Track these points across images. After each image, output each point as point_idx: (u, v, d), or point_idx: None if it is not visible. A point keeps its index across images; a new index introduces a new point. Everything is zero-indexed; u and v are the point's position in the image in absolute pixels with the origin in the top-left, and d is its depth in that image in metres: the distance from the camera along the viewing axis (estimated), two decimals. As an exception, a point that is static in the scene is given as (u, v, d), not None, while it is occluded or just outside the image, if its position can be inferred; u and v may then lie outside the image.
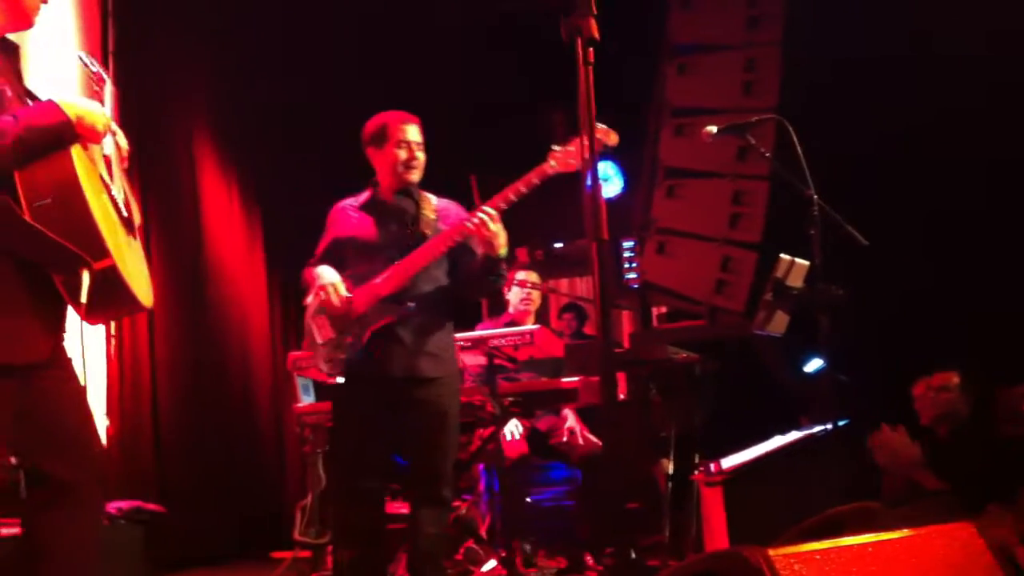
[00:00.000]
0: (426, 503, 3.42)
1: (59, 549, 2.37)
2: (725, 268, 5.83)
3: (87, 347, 2.47)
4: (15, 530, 2.46)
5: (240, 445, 6.41)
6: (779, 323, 4.00)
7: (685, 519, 4.28)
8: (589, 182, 2.36)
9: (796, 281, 3.89)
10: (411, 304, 3.37)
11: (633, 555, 3.09)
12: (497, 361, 4.17)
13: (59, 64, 4.80)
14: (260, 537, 5.91)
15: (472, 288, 3.58)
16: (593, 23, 2.36)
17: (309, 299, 3.44)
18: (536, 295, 5.28)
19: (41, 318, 2.35)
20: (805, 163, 3.64)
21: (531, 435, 4.93)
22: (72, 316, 2.46)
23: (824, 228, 3.61)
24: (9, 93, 2.38)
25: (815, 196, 3.62)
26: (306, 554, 4.81)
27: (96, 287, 2.31)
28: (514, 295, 5.20)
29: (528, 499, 5.01)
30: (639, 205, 6.26)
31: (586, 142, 2.36)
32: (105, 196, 2.44)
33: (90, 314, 2.37)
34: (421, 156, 3.52)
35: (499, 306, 5.55)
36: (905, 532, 2.20)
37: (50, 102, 2.34)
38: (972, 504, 3.17)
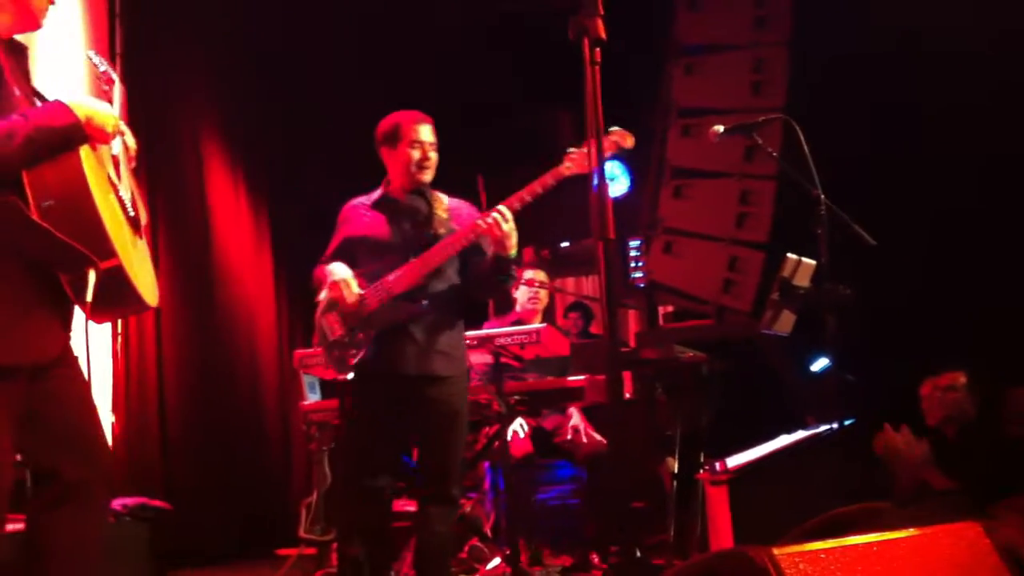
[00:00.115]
0: (435, 501, 3.43)
1: (64, 547, 2.38)
2: (732, 268, 5.82)
3: (92, 345, 2.48)
4: (20, 526, 2.45)
5: (246, 443, 6.43)
6: (786, 322, 3.99)
7: (690, 518, 4.28)
8: (596, 181, 2.36)
9: (803, 280, 3.89)
10: (424, 302, 3.38)
11: (638, 554, 3.08)
12: (503, 360, 4.17)
13: (67, 65, 4.82)
14: (265, 534, 5.92)
15: (482, 288, 3.59)
16: (600, 23, 2.36)
17: (323, 295, 3.42)
18: (544, 294, 5.28)
19: (49, 318, 2.36)
20: (812, 163, 3.64)
21: (536, 434, 4.94)
22: (77, 314, 2.47)
23: (831, 227, 3.61)
24: (18, 93, 2.39)
25: (822, 196, 3.62)
26: (311, 551, 4.82)
27: (102, 287, 2.32)
28: (522, 294, 5.20)
29: (534, 497, 5.02)
30: (646, 205, 6.26)
31: (594, 142, 2.36)
32: (112, 196, 2.45)
33: (96, 313, 2.38)
34: (434, 156, 3.53)
35: (506, 304, 5.55)
36: (911, 532, 2.20)
37: (59, 102, 2.35)
38: (980, 504, 3.17)
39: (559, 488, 5.22)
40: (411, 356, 3.39)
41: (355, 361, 3.39)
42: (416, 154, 3.50)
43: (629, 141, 3.36)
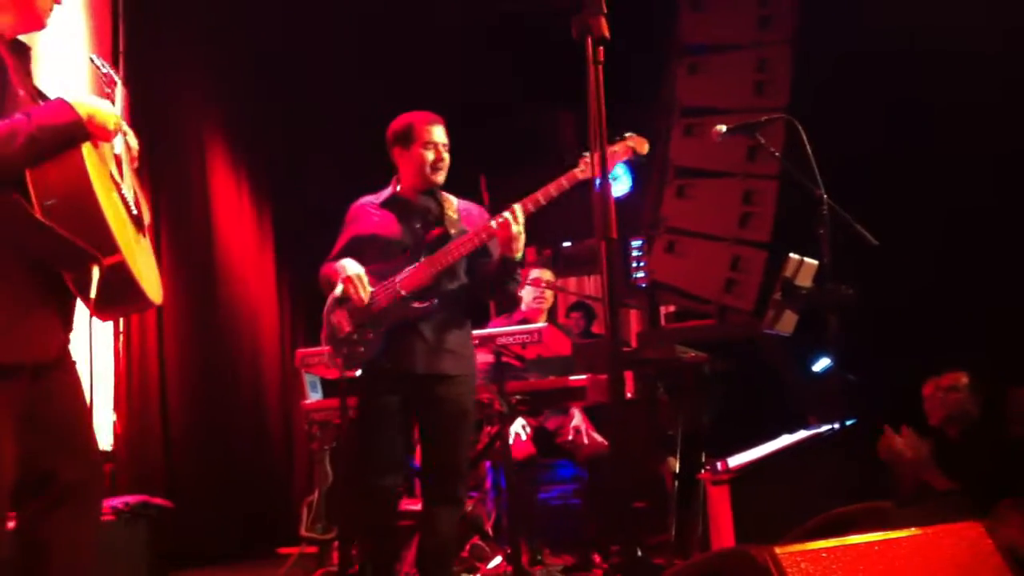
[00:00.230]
0: (442, 501, 3.43)
1: (62, 549, 2.37)
2: (735, 267, 5.83)
3: (95, 344, 2.48)
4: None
5: (248, 442, 6.43)
6: (788, 322, 3.99)
7: (691, 518, 4.27)
8: (599, 181, 2.36)
9: (805, 280, 3.89)
10: (435, 301, 3.39)
11: (639, 553, 3.08)
12: (505, 359, 4.17)
13: (69, 65, 4.82)
14: (267, 533, 5.92)
15: (487, 289, 3.59)
16: (603, 22, 2.36)
17: (338, 291, 3.41)
18: (549, 294, 5.28)
19: (50, 317, 2.36)
20: (815, 162, 3.63)
21: (538, 434, 4.93)
22: (80, 314, 2.47)
23: (833, 227, 3.61)
24: (21, 93, 2.39)
25: (824, 195, 3.61)
26: (312, 550, 4.82)
27: (106, 283, 2.31)
28: (527, 293, 5.20)
29: (535, 497, 5.01)
30: (648, 204, 6.26)
31: (600, 144, 2.36)
32: (115, 194, 2.45)
33: (100, 310, 2.38)
34: (447, 157, 3.53)
35: (509, 304, 5.55)
36: (913, 531, 2.20)
37: (61, 100, 2.34)
38: (981, 504, 3.16)
39: (560, 488, 5.22)
40: (420, 355, 3.39)
41: (364, 358, 3.38)
42: (430, 155, 3.50)
43: (644, 147, 3.39)
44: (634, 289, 6.69)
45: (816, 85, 5.69)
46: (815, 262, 3.82)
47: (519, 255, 3.39)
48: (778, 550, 1.95)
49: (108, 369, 5.31)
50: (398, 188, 3.58)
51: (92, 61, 2.72)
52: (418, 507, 3.70)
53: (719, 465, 3.93)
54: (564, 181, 3.34)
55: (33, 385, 2.34)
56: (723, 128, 3.96)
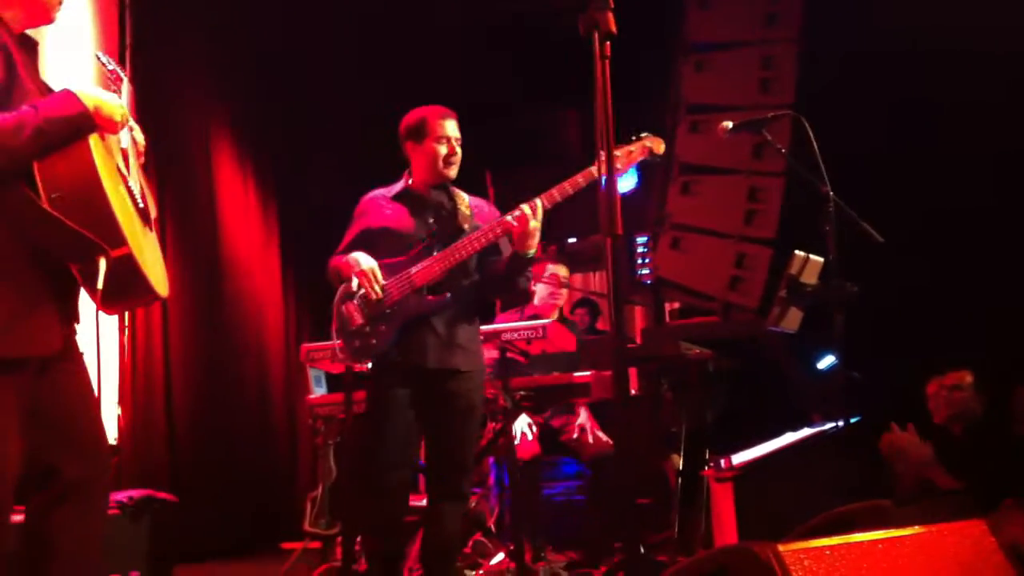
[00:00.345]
0: (448, 497, 3.43)
1: (67, 544, 2.37)
2: (740, 264, 5.82)
3: (103, 338, 2.48)
4: (22, 517, 2.45)
5: (252, 436, 6.44)
6: (792, 320, 3.99)
7: (695, 515, 4.27)
8: (604, 177, 2.36)
9: (810, 278, 3.88)
10: (448, 295, 3.39)
11: (642, 550, 3.08)
12: (509, 355, 4.16)
13: (75, 59, 4.82)
14: (272, 528, 5.93)
15: (498, 287, 3.60)
16: (611, 17, 2.36)
17: (354, 285, 3.38)
18: (564, 291, 5.27)
19: (54, 312, 2.36)
20: (821, 160, 3.63)
21: (543, 431, 4.93)
22: (87, 309, 2.47)
23: (839, 225, 3.60)
24: (30, 87, 2.40)
25: (830, 193, 3.61)
26: (316, 545, 4.82)
27: (113, 276, 2.32)
28: (541, 288, 5.18)
29: (540, 495, 5.01)
30: (654, 201, 6.25)
31: (607, 139, 2.35)
32: (122, 187, 2.45)
33: (106, 303, 2.38)
34: (460, 152, 3.53)
35: (521, 298, 5.51)
36: (916, 529, 2.20)
37: (68, 92, 2.35)
38: (986, 503, 3.16)
39: (564, 484, 5.22)
40: (432, 349, 3.39)
41: (376, 351, 3.37)
42: (443, 149, 3.50)
43: (661, 147, 3.39)
44: (639, 286, 6.69)
45: (821, 83, 5.67)
46: (820, 259, 3.82)
47: (532, 251, 3.39)
48: (781, 547, 1.95)
49: (113, 363, 5.32)
50: (410, 182, 3.58)
51: (98, 58, 2.72)
52: (422, 502, 3.70)
53: (723, 462, 3.94)
54: (580, 179, 3.34)
55: (39, 379, 2.34)
56: (729, 124, 3.95)
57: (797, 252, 3.91)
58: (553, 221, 3.49)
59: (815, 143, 3.65)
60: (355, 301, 3.39)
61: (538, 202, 3.34)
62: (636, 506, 3.73)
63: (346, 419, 4.28)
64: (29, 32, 2.53)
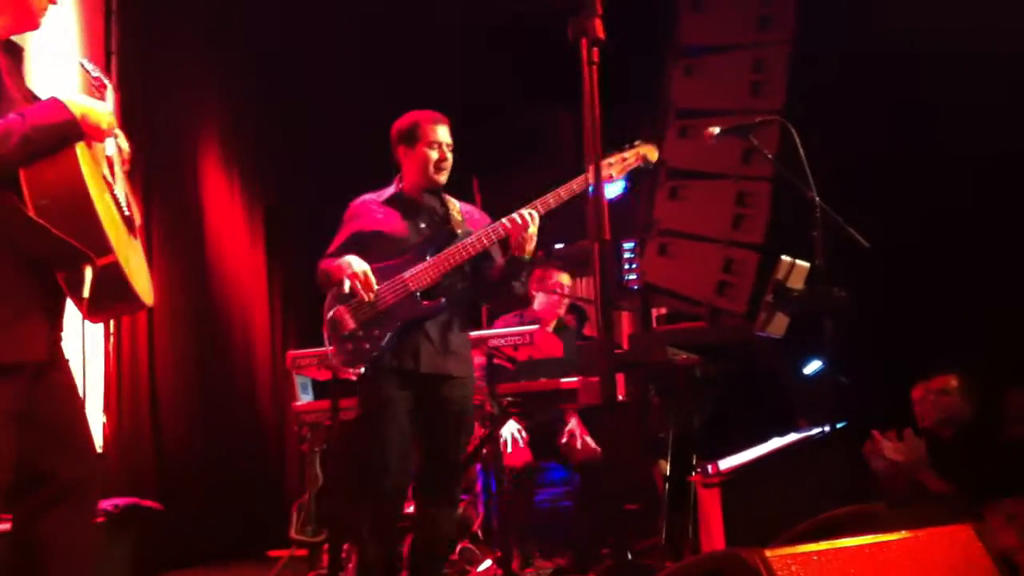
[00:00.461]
0: (443, 502, 3.43)
1: (60, 548, 2.37)
2: (727, 269, 5.83)
3: (88, 346, 2.48)
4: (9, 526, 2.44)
5: (239, 444, 6.41)
6: (779, 325, 4.00)
7: (682, 521, 4.27)
8: (592, 182, 2.36)
9: (797, 283, 3.89)
10: (443, 300, 3.38)
11: (630, 556, 3.08)
12: (497, 361, 4.16)
13: (60, 64, 4.79)
14: (258, 535, 5.90)
15: (494, 292, 3.60)
16: (599, 24, 2.36)
17: (346, 288, 3.35)
18: (566, 300, 5.28)
19: (43, 317, 2.36)
20: (807, 165, 3.64)
21: (534, 433, 4.91)
22: (72, 315, 2.46)
23: (826, 230, 3.61)
24: (15, 94, 2.39)
25: (817, 198, 3.62)
26: (302, 552, 4.80)
27: (98, 284, 2.32)
28: (541, 293, 5.19)
29: (531, 503, 5.00)
30: (642, 206, 6.26)
31: (595, 145, 2.35)
32: (108, 195, 2.45)
33: (92, 311, 2.38)
34: (451, 158, 3.53)
35: (514, 303, 5.49)
36: (904, 534, 2.20)
37: (55, 100, 2.34)
38: (975, 506, 3.17)
39: (551, 491, 5.21)
40: (426, 354, 3.39)
41: (370, 356, 3.35)
42: (434, 155, 3.50)
43: (655, 154, 3.41)
44: (626, 291, 6.69)
45: (817, 85, 5.68)
46: (807, 264, 3.83)
47: (529, 256, 3.40)
48: (768, 553, 1.95)
49: (98, 370, 5.28)
50: (402, 186, 3.58)
51: (82, 65, 2.71)
52: (409, 508, 3.68)
53: (710, 468, 3.93)
54: (575, 185, 3.36)
55: (27, 384, 2.34)
56: (716, 130, 3.96)
57: (783, 257, 3.93)
58: (541, 226, 3.50)
59: (802, 149, 3.66)
60: (347, 305, 3.38)
61: (535, 212, 3.35)
62: (624, 512, 3.72)
63: (332, 426, 4.27)
64: (14, 38, 2.52)
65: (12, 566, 2.37)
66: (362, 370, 3.38)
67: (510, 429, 4.71)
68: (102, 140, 2.46)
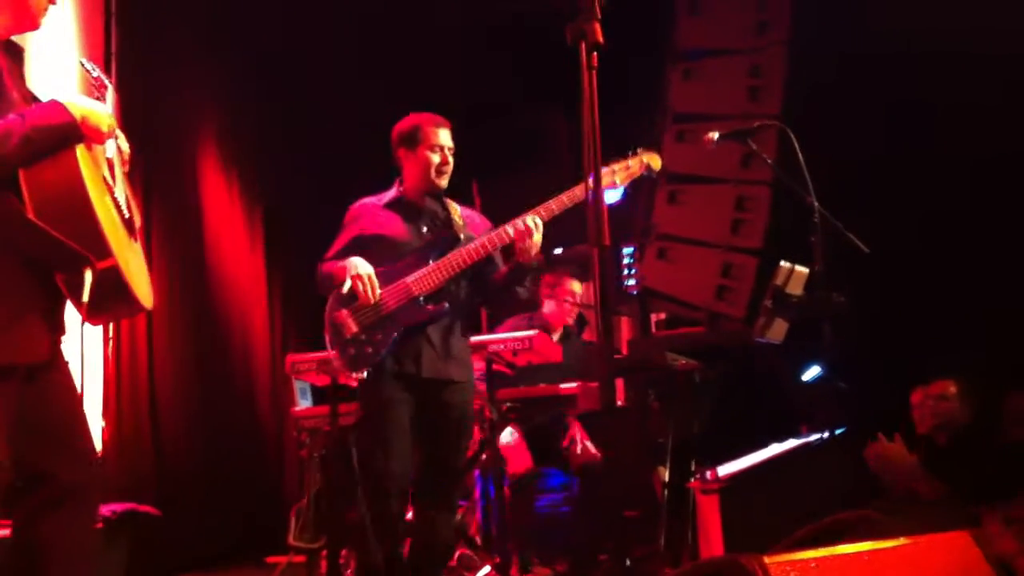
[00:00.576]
0: (442, 508, 3.43)
1: (61, 550, 2.37)
2: (726, 274, 5.82)
3: (87, 349, 2.48)
4: (7, 532, 2.43)
5: (238, 449, 6.40)
6: (778, 330, 3.99)
7: (681, 527, 4.26)
8: (591, 187, 2.36)
9: (796, 288, 3.89)
10: (446, 305, 3.37)
11: (628, 563, 3.08)
12: (496, 367, 4.15)
13: (59, 65, 4.79)
14: (256, 541, 5.89)
15: (497, 297, 3.60)
16: (597, 27, 2.36)
17: (346, 288, 3.34)
18: (576, 308, 5.28)
19: (43, 318, 2.36)
20: (806, 170, 3.64)
21: (533, 437, 4.90)
22: (72, 319, 2.46)
23: (825, 235, 3.61)
24: (15, 95, 2.39)
25: (815, 203, 3.62)
26: (300, 559, 4.79)
27: (98, 287, 2.32)
28: (553, 300, 5.19)
29: (533, 510, 4.99)
30: (640, 211, 6.25)
31: (594, 149, 2.35)
32: (108, 197, 2.45)
33: (91, 314, 2.38)
34: (452, 161, 3.52)
35: (521, 307, 5.49)
36: (902, 541, 2.20)
37: (55, 102, 2.35)
38: (972, 512, 3.16)
39: (550, 496, 5.20)
40: (428, 359, 3.39)
41: (372, 360, 3.34)
42: (436, 158, 3.50)
43: (657, 163, 3.41)
44: (625, 296, 6.68)
45: (815, 86, 5.67)
46: (806, 270, 3.83)
47: (535, 263, 3.41)
48: (767, 559, 1.95)
49: (97, 373, 5.28)
50: (403, 190, 3.57)
51: (83, 65, 2.71)
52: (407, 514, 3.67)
53: (709, 474, 3.93)
54: (579, 191, 3.35)
55: (27, 386, 2.33)
56: (715, 135, 3.96)
57: (782, 263, 3.92)
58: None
59: (800, 153, 3.66)
60: (349, 308, 3.36)
61: (538, 219, 3.36)
62: (622, 518, 3.72)
63: (331, 431, 4.26)
64: (15, 39, 2.51)
65: (12, 569, 2.37)
66: (364, 374, 3.37)
67: (504, 435, 4.70)
68: (102, 142, 2.46)
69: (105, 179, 2.47)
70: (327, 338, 3.42)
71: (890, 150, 5.52)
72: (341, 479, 4.43)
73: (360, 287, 3.31)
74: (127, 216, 2.52)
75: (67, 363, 2.48)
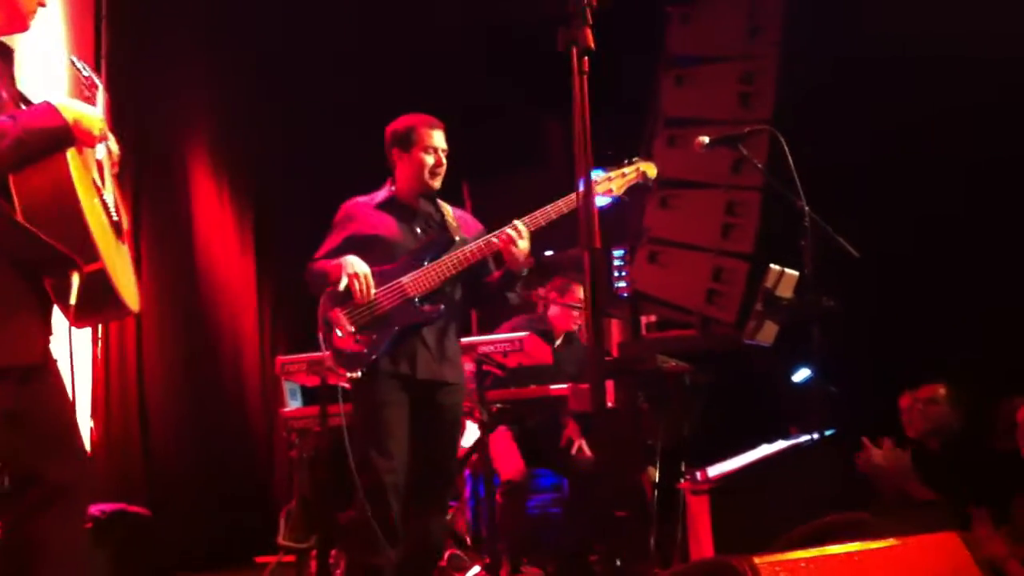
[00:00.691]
0: (436, 509, 3.43)
1: (50, 552, 2.35)
2: (717, 278, 5.84)
3: (75, 351, 2.47)
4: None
5: (227, 449, 6.38)
6: (768, 333, 4.01)
7: (671, 528, 4.27)
8: (582, 188, 2.37)
9: (786, 292, 3.91)
10: (441, 307, 3.38)
11: (618, 563, 3.09)
12: (486, 368, 4.16)
13: (47, 66, 4.78)
14: (245, 541, 5.88)
15: (489, 301, 3.61)
16: (589, 33, 2.37)
17: (341, 286, 3.32)
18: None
19: (34, 319, 2.35)
20: (796, 174, 3.66)
21: (524, 442, 4.90)
22: (59, 319, 2.45)
23: (815, 239, 3.63)
24: (5, 96, 2.38)
25: (806, 208, 3.64)
26: (290, 559, 4.79)
27: (85, 290, 2.31)
28: (560, 304, 5.20)
29: (524, 512, 4.99)
30: (632, 214, 6.27)
31: (584, 154, 2.36)
32: (97, 200, 2.44)
33: (78, 317, 2.37)
34: (445, 163, 3.52)
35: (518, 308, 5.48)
36: (891, 541, 2.21)
37: (47, 104, 2.33)
38: (961, 515, 3.18)
39: (540, 497, 5.21)
40: (423, 360, 3.39)
41: (367, 360, 3.33)
42: (430, 160, 3.49)
43: (653, 171, 3.42)
44: (616, 299, 6.70)
45: (802, 93, 5.69)
46: (796, 273, 3.85)
47: (524, 270, 3.42)
48: (757, 560, 1.96)
49: (86, 375, 5.26)
50: (395, 191, 3.56)
51: (73, 64, 2.71)
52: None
53: (699, 475, 3.94)
54: (564, 204, 3.37)
55: (19, 387, 2.32)
56: (706, 140, 3.98)
57: (772, 266, 3.94)
58: (530, 233, 3.50)
59: (791, 158, 3.68)
60: (343, 308, 3.35)
61: (522, 227, 3.36)
62: (614, 519, 3.72)
63: (322, 432, 4.25)
64: (4, 40, 2.51)
65: (3, 571, 2.36)
66: (358, 374, 3.37)
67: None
68: (93, 146, 2.45)
69: (94, 181, 2.47)
70: (320, 337, 3.40)
71: (882, 154, 5.55)
72: (331, 480, 4.43)
73: (356, 286, 3.30)
74: (115, 219, 2.51)
75: (56, 362, 2.47)
